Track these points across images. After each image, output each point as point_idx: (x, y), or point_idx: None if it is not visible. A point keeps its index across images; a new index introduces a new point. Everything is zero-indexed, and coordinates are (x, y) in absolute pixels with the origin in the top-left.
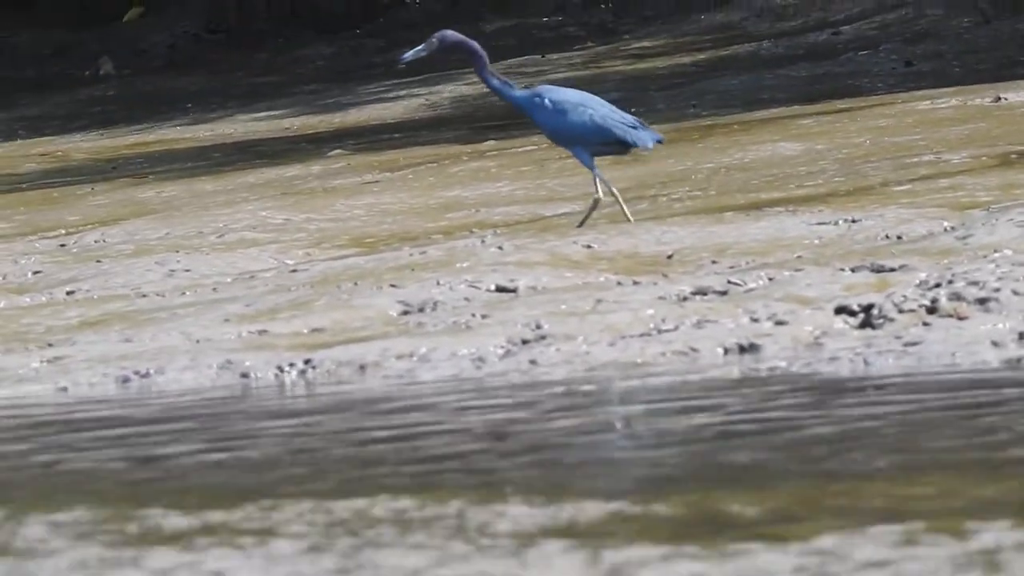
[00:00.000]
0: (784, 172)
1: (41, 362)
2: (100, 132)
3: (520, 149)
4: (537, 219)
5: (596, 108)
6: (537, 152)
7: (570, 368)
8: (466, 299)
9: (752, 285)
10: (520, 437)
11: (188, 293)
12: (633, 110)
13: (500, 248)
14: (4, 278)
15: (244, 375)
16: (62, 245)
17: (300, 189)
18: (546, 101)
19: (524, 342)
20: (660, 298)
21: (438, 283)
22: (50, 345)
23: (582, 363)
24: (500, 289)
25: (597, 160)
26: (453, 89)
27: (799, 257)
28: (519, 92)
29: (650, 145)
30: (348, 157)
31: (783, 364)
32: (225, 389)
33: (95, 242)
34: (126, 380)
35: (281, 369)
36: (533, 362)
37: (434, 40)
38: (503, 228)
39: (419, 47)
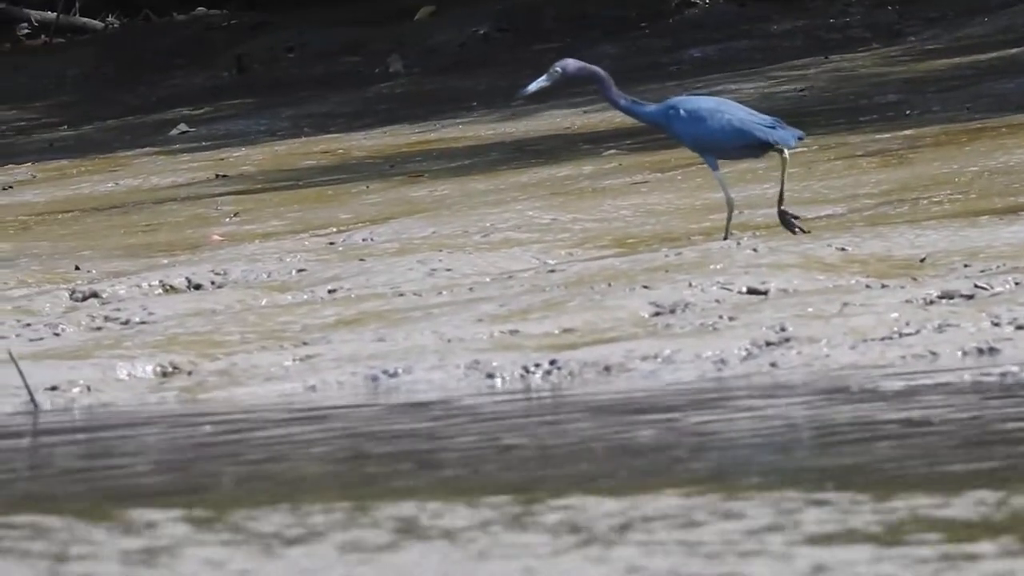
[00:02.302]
0: None
1: (293, 360)
2: (383, 130)
3: (792, 151)
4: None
5: (733, 112)
6: (807, 154)
7: (809, 371)
8: (716, 301)
9: (999, 289)
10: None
11: (445, 293)
12: (908, 112)
13: (755, 250)
14: (268, 276)
15: (490, 375)
16: (331, 243)
17: (570, 189)
18: (681, 112)
19: (768, 344)
20: (906, 301)
21: (690, 284)
22: (305, 343)
23: (821, 366)
24: (751, 291)
25: (745, 162)
26: (736, 88)
27: None
28: (651, 108)
29: (792, 143)
30: (621, 157)
31: (1015, 369)
32: (472, 389)
33: (363, 240)
34: (375, 379)
35: (527, 370)
36: (773, 365)
37: (557, 69)
38: (764, 230)
39: (542, 78)
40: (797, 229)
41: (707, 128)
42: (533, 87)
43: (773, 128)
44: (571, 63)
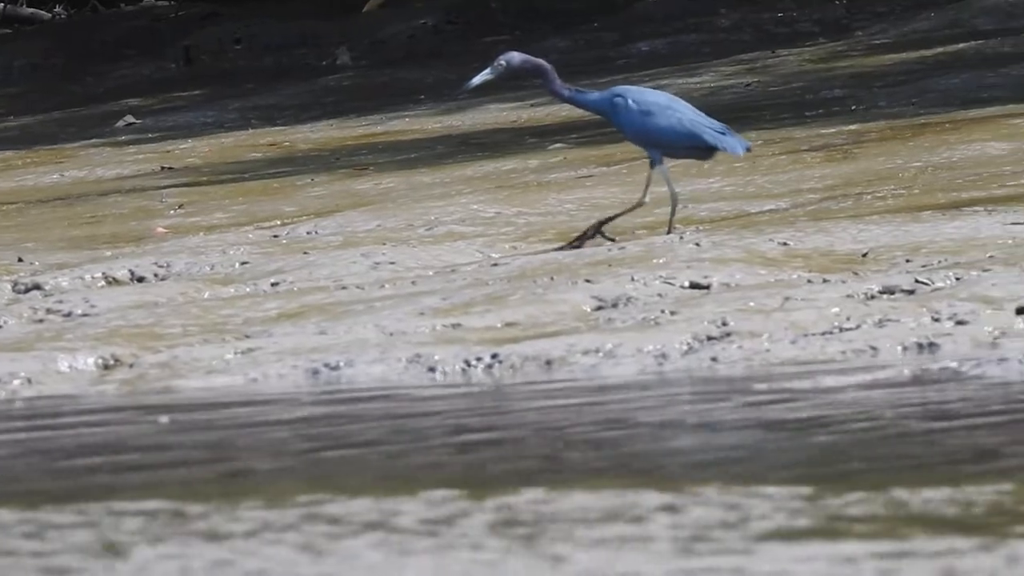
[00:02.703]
0: (989, 171)
1: (235, 353)
2: (330, 123)
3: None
4: (742, 215)
5: (683, 111)
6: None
7: (748, 365)
8: (659, 295)
9: (939, 284)
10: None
11: (388, 286)
12: (854, 107)
13: (697, 244)
14: (212, 268)
15: (431, 369)
16: (275, 236)
17: (515, 183)
18: (630, 102)
19: (709, 339)
20: (847, 296)
21: (632, 279)
22: (247, 336)
23: (762, 361)
24: (693, 286)
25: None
26: (683, 83)
27: (991, 257)
28: (594, 95)
29: (740, 151)
30: (567, 151)
31: (954, 364)
32: (414, 382)
33: (307, 233)
34: (316, 372)
35: (468, 363)
36: (714, 359)
37: (501, 63)
38: (708, 224)
39: (486, 71)
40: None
41: (656, 124)
42: (477, 80)
43: (724, 134)
44: (515, 56)
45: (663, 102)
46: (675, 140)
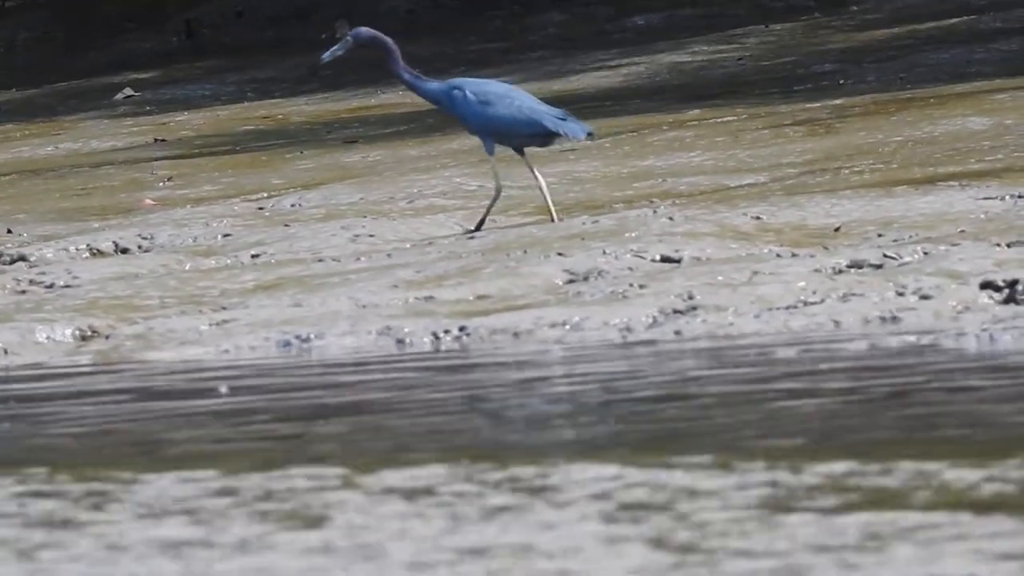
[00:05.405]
0: (967, 146)
1: (209, 325)
2: (325, 95)
3: (720, 120)
4: (720, 189)
5: (521, 99)
6: (735, 123)
7: (712, 340)
8: (630, 268)
9: (907, 259)
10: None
11: (364, 259)
12: (842, 81)
13: (671, 219)
14: (194, 240)
15: (400, 340)
16: (259, 208)
17: (499, 156)
18: (468, 93)
19: (675, 312)
20: (815, 270)
21: (604, 252)
22: (223, 308)
23: (725, 334)
24: (664, 259)
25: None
26: (675, 59)
27: (961, 232)
28: (432, 85)
29: (581, 136)
30: None
31: (913, 339)
32: (382, 354)
33: (291, 206)
34: (287, 344)
35: (436, 336)
36: (678, 333)
37: (348, 38)
38: (686, 198)
39: (335, 47)
40: None
41: (495, 113)
42: (327, 56)
43: (564, 120)
44: (363, 31)
45: (501, 91)
46: (516, 128)
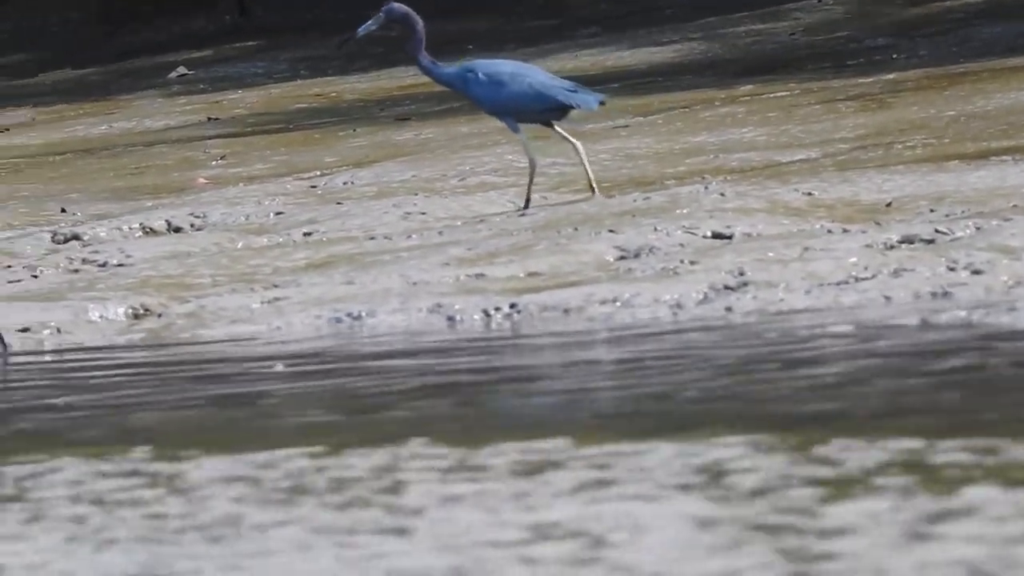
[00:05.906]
0: (1021, 120)
1: (261, 303)
2: (377, 73)
3: (772, 95)
4: (772, 165)
5: (532, 76)
6: (787, 98)
7: (761, 315)
8: (681, 245)
9: (959, 234)
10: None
11: (415, 236)
12: (895, 56)
13: (722, 195)
14: (247, 219)
15: (450, 318)
16: (312, 186)
17: (548, 133)
18: (480, 75)
19: (726, 288)
20: (867, 246)
21: (655, 229)
22: (275, 286)
23: (775, 311)
24: (716, 235)
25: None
26: (729, 31)
27: (1013, 206)
28: (448, 70)
29: (593, 106)
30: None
31: (963, 314)
32: (432, 331)
33: (343, 184)
34: (338, 321)
35: (487, 313)
36: (728, 309)
37: (381, 14)
38: (737, 174)
39: (369, 22)
40: None
41: (508, 92)
42: (362, 30)
43: (575, 92)
44: (396, 7)
45: (511, 70)
46: (529, 104)
